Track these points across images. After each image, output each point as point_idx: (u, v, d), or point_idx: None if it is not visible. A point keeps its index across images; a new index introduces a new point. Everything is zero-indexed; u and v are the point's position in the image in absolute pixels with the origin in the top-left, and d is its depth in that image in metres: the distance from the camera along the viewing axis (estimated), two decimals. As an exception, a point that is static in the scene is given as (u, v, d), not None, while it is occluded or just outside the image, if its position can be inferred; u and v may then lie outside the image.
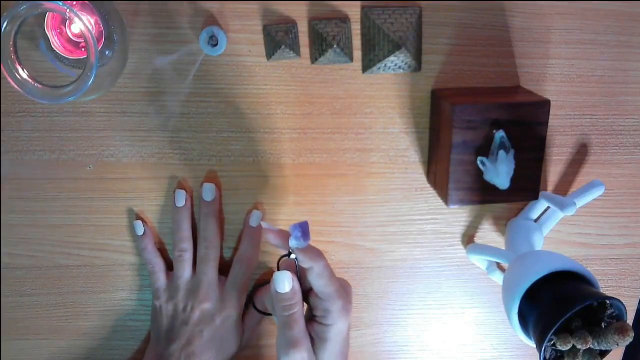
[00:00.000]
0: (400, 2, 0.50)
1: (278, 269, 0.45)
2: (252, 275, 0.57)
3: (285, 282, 0.43)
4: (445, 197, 0.51)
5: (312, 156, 0.55)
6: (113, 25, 0.44)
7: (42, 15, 0.43)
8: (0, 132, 0.52)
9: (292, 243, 0.42)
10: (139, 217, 0.55)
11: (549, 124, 0.49)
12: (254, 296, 0.47)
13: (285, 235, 0.43)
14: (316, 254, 0.43)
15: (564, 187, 0.58)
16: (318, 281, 0.43)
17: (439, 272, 0.60)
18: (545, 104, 0.48)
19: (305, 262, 0.42)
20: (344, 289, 0.45)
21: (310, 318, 0.46)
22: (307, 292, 0.45)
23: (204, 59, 0.50)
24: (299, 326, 0.43)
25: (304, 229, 0.42)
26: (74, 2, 0.41)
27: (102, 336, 0.59)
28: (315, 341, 0.45)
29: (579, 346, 0.42)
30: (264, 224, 0.44)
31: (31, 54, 0.48)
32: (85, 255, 0.56)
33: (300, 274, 0.44)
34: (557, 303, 0.43)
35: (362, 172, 0.56)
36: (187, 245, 0.55)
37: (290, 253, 0.43)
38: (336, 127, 0.54)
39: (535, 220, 0.58)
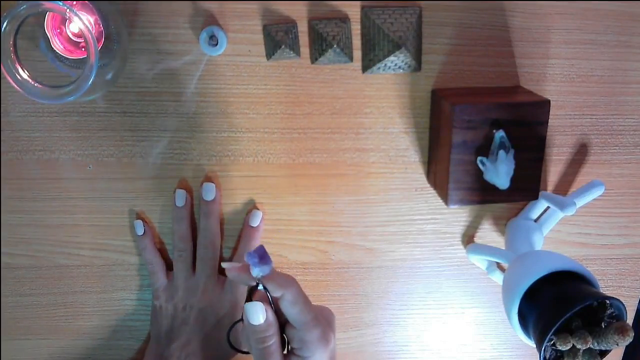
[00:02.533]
0: (400, 2, 0.50)
1: (250, 298, 0.42)
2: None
3: (259, 314, 0.40)
4: (445, 197, 0.51)
5: (312, 156, 0.55)
6: (113, 25, 0.44)
7: (42, 15, 0.43)
8: (0, 132, 0.52)
9: (255, 272, 0.39)
10: (139, 217, 0.55)
11: (549, 124, 0.49)
12: (230, 333, 0.45)
13: (247, 268, 0.40)
14: (286, 280, 0.41)
15: (564, 187, 0.58)
16: (291, 309, 0.41)
17: (439, 272, 0.60)
18: (545, 104, 0.48)
19: (275, 291, 0.40)
20: (324, 317, 0.43)
21: (289, 350, 0.43)
22: (284, 324, 0.43)
23: (203, 59, 0.50)
24: (275, 359, 0.41)
25: (259, 253, 0.39)
26: (74, 2, 0.41)
27: (102, 336, 0.59)
28: None
29: (579, 346, 0.42)
30: (224, 265, 0.41)
31: (31, 54, 0.48)
32: (85, 255, 0.56)
33: (276, 305, 0.41)
34: (557, 303, 0.43)
35: (362, 172, 0.56)
36: (187, 245, 0.55)
37: (258, 284, 0.40)
38: (336, 127, 0.54)
39: (535, 220, 0.58)
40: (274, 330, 0.41)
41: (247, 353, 0.44)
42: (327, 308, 0.46)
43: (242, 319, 0.42)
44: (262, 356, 0.41)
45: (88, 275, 0.57)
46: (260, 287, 0.40)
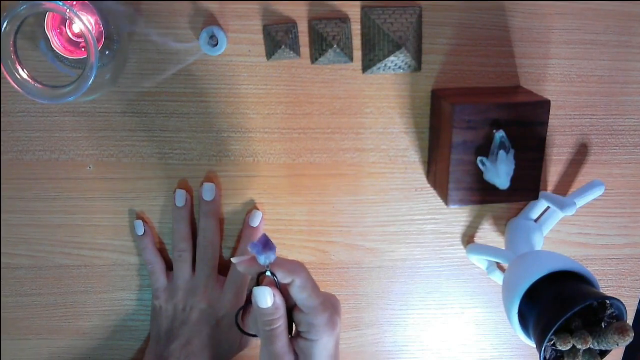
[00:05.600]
0: (400, 2, 0.50)
1: (258, 284, 0.43)
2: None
3: (267, 297, 0.41)
4: (445, 197, 0.51)
5: (312, 156, 0.55)
6: (113, 25, 0.44)
7: (42, 15, 0.43)
8: (0, 132, 0.52)
9: (261, 260, 0.40)
10: (139, 217, 0.55)
11: (549, 124, 0.49)
12: (238, 315, 0.46)
13: (254, 259, 0.41)
14: (295, 266, 0.41)
15: (564, 187, 0.58)
16: (300, 294, 0.41)
17: (439, 272, 0.60)
18: (545, 104, 0.48)
19: (284, 277, 0.41)
20: (330, 303, 0.44)
21: (296, 334, 0.44)
22: (292, 308, 0.43)
23: (203, 59, 0.50)
24: (282, 341, 0.42)
25: (262, 241, 0.40)
26: (74, 2, 0.41)
27: (102, 336, 0.59)
28: (299, 358, 0.43)
29: (579, 346, 0.42)
30: (233, 260, 0.42)
31: (31, 54, 0.48)
32: (85, 255, 0.56)
33: (284, 289, 0.42)
34: (557, 303, 0.43)
35: (362, 172, 0.56)
36: (187, 245, 0.55)
37: (266, 270, 0.41)
38: (336, 127, 0.54)
39: (535, 220, 0.58)
40: (281, 313, 0.42)
41: (255, 336, 0.45)
42: (332, 294, 0.46)
43: (248, 303, 0.43)
44: (269, 338, 0.42)
45: (88, 275, 0.57)
46: (268, 273, 0.41)
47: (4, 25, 0.37)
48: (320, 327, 0.42)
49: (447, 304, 0.62)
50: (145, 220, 0.55)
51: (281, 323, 0.42)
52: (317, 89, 0.52)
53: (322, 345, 0.43)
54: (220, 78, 0.51)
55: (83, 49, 0.45)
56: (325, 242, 0.58)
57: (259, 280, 0.42)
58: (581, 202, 0.55)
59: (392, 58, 0.50)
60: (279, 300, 0.42)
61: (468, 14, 0.51)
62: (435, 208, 0.57)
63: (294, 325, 0.44)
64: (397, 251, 0.59)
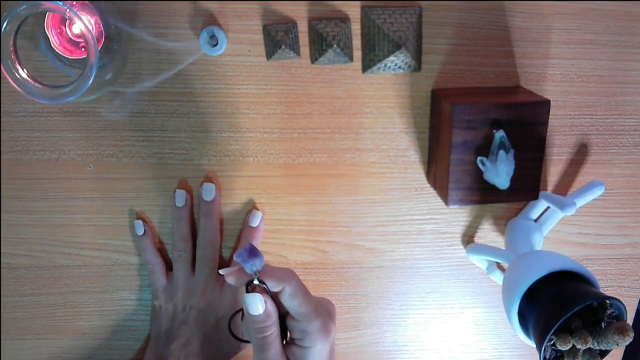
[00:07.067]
0: (400, 2, 0.50)
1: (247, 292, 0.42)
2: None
3: (258, 304, 0.40)
4: (445, 197, 0.51)
5: (312, 156, 0.55)
6: (113, 25, 0.44)
7: (42, 15, 0.43)
8: (0, 132, 0.52)
9: (248, 269, 0.40)
10: (139, 217, 0.55)
11: (549, 124, 0.49)
12: (230, 321, 0.46)
13: (242, 268, 0.40)
14: (285, 274, 0.41)
15: (564, 187, 0.58)
16: (291, 302, 0.41)
17: (439, 272, 0.60)
18: (545, 104, 0.48)
19: (274, 286, 0.40)
20: (324, 308, 0.43)
21: (290, 341, 0.43)
22: (285, 315, 0.43)
23: (203, 59, 0.50)
24: (274, 349, 0.41)
25: (247, 249, 0.39)
26: (74, 2, 0.41)
27: (102, 336, 0.59)
28: None
29: (579, 346, 0.42)
30: (221, 272, 0.42)
31: (31, 54, 0.48)
32: (85, 255, 0.56)
33: (275, 296, 0.41)
34: (557, 303, 0.43)
35: (361, 172, 0.56)
36: (187, 245, 0.55)
37: (254, 279, 0.40)
38: (336, 127, 0.54)
39: (535, 220, 0.58)
40: (272, 320, 0.41)
41: (248, 342, 0.44)
42: (327, 299, 0.46)
43: (242, 309, 0.42)
44: (261, 346, 0.42)
45: (88, 275, 0.57)
46: (256, 281, 0.40)
47: (4, 25, 0.37)
48: (314, 334, 0.41)
49: (447, 304, 0.62)
50: (145, 220, 0.55)
51: (273, 330, 0.41)
52: (317, 89, 0.52)
53: (317, 352, 0.42)
54: (220, 78, 0.51)
55: (83, 49, 0.45)
56: (325, 242, 0.58)
57: (249, 288, 0.42)
58: (581, 202, 0.55)
59: (392, 58, 0.50)
60: (271, 307, 0.41)
61: (468, 14, 0.51)
62: (435, 208, 0.57)
63: (287, 331, 0.43)
64: (397, 251, 0.59)
